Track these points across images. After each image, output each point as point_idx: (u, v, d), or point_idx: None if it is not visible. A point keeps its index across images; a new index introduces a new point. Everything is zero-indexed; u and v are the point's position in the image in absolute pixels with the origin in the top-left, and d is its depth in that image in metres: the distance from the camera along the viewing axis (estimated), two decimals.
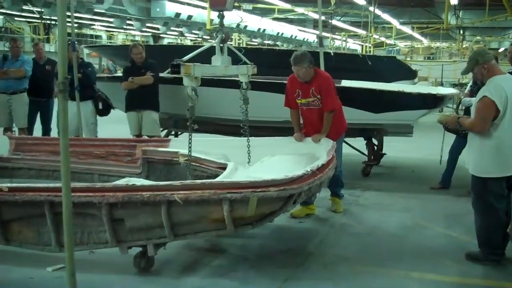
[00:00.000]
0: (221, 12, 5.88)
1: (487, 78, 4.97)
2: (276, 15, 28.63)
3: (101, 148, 6.76)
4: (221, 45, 5.80)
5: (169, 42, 42.75)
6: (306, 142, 6.14)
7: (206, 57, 5.78)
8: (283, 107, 6.45)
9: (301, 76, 6.04)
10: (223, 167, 5.66)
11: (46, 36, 32.93)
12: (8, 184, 4.70)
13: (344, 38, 37.14)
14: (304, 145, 6.10)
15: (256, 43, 38.19)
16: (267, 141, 6.33)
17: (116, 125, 10.00)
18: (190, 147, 5.38)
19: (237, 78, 6.17)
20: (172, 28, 31.21)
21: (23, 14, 28.64)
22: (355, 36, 40.24)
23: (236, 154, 6.04)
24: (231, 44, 6.23)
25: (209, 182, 4.56)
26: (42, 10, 23.29)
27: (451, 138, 7.76)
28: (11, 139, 7.16)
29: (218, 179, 5.13)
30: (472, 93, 7.17)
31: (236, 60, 6.13)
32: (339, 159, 6.19)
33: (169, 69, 5.08)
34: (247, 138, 6.07)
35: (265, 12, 28.78)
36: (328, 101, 6.11)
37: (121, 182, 4.99)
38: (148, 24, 31.37)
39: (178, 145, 6.45)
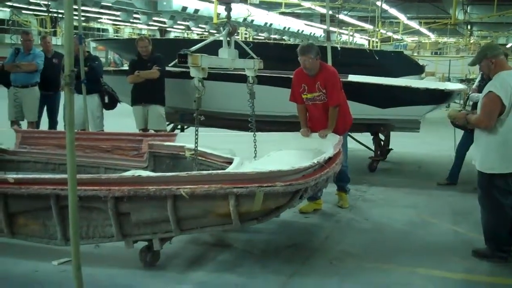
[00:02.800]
0: (228, 5, 5.86)
1: (494, 73, 4.95)
2: (283, 9, 28.58)
3: (107, 142, 6.76)
4: (228, 38, 5.77)
5: (175, 36, 42.76)
6: (313, 138, 6.11)
7: (214, 52, 5.75)
8: (290, 101, 6.43)
9: (307, 66, 6.01)
10: (230, 162, 5.65)
11: (53, 29, 32.94)
12: (14, 175, 4.70)
13: (351, 33, 37.03)
14: (311, 140, 6.08)
15: (262, 37, 38.13)
16: (273, 136, 6.32)
17: (122, 119, 10.00)
18: (196, 138, 5.34)
19: (244, 72, 6.15)
20: (178, 22, 31.28)
21: (30, 7, 28.70)
22: (362, 31, 40.14)
23: (242, 149, 6.02)
24: (238, 38, 6.17)
25: (215, 173, 4.55)
26: (49, 3, 23.35)
27: (460, 134, 7.73)
28: (18, 132, 7.18)
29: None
30: (480, 89, 7.14)
31: (243, 55, 6.10)
32: (345, 154, 6.17)
33: (176, 60, 5.04)
34: (253, 133, 6.05)
35: (272, 6, 28.75)
36: (334, 95, 6.09)
37: (127, 174, 4.98)
38: (154, 18, 31.42)
39: (185, 139, 6.44)
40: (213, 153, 5.95)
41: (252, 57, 6.06)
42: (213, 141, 6.24)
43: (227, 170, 5.12)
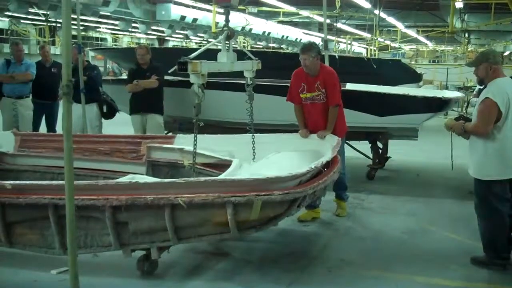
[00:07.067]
0: (226, 9, 5.87)
1: (489, 79, 4.99)
2: (281, 18, 28.62)
3: (106, 145, 6.72)
4: (227, 42, 5.76)
5: (174, 45, 42.81)
6: (311, 139, 6.12)
7: (213, 59, 5.75)
8: (288, 110, 6.44)
9: (307, 65, 6.06)
10: (228, 164, 5.64)
11: (51, 39, 33.02)
12: (12, 182, 4.68)
13: (349, 42, 37.11)
14: (310, 141, 6.09)
15: (261, 46, 38.22)
16: (272, 137, 6.31)
17: (121, 128, 9.97)
18: (195, 145, 5.35)
19: (243, 81, 6.16)
20: (177, 31, 31.28)
21: (29, 16, 28.76)
22: (360, 39, 40.22)
23: (241, 150, 6.01)
24: (236, 47, 6.14)
25: (213, 179, 4.56)
26: (48, 12, 23.39)
27: (458, 142, 7.71)
28: (17, 135, 7.14)
29: (222, 176, 5.12)
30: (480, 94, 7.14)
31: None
32: (343, 162, 6.18)
33: (175, 67, 5.04)
34: (252, 134, 6.06)
35: (270, 15, 28.80)
36: (334, 95, 6.14)
37: (125, 179, 4.98)
38: (153, 27, 31.46)
39: (183, 141, 6.42)
40: (212, 155, 5.95)
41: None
42: (211, 142, 6.23)
43: (224, 176, 5.12)
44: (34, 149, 6.90)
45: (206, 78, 5.13)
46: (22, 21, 32.33)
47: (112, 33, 42.64)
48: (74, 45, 8.05)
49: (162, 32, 33.91)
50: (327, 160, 5.14)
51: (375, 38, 30.11)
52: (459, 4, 20.92)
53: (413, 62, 34.26)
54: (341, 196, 6.75)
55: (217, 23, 23.02)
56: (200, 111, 5.17)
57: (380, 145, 8.82)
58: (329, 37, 11.56)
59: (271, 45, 37.79)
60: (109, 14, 24.89)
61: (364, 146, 9.04)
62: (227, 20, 5.80)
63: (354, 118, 6.83)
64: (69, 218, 3.65)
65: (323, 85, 6.12)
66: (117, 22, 30.64)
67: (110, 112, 9.07)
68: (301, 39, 38.92)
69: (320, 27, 34.05)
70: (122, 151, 6.66)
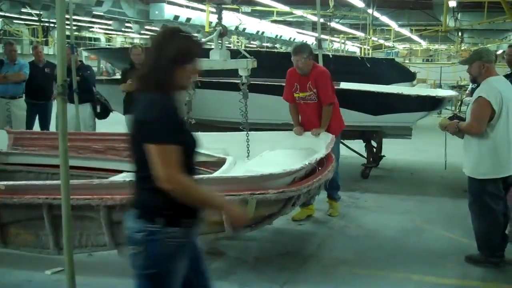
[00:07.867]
0: (219, 6, 5.86)
1: (482, 78, 5.00)
2: (275, 18, 28.61)
3: (100, 143, 6.68)
4: (219, 40, 5.72)
5: None
6: (306, 136, 6.13)
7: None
8: (283, 109, 6.45)
9: (300, 66, 6.07)
10: (223, 161, 5.63)
11: (44, 39, 32.90)
12: (5, 182, 4.65)
13: (342, 41, 37.13)
14: (304, 139, 6.09)
15: (254, 46, 38.20)
16: (266, 135, 6.32)
17: (114, 128, 9.94)
18: None
19: (237, 81, 6.15)
20: None
21: (22, 16, 28.65)
22: (354, 38, 40.24)
23: (235, 148, 6.01)
24: (230, 46, 6.14)
25: (207, 177, 4.55)
26: (41, 12, 23.32)
27: (452, 141, 7.74)
28: (10, 133, 7.10)
29: (216, 173, 5.12)
30: (473, 93, 7.17)
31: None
32: (336, 161, 6.18)
33: None
34: (246, 132, 6.06)
35: (264, 15, 28.77)
36: (326, 94, 6.14)
37: (118, 177, 4.95)
38: (146, 27, 31.37)
39: None
40: (206, 153, 5.92)
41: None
42: (205, 140, 6.19)
43: (219, 174, 5.11)
44: (27, 147, 6.87)
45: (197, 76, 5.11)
46: (14, 21, 32.19)
47: (105, 33, 42.50)
48: (67, 45, 8.03)
49: (156, 32, 33.85)
50: (321, 156, 5.15)
51: (369, 37, 30.14)
52: (452, 3, 20.94)
53: (406, 61, 34.24)
54: (333, 196, 6.74)
55: (210, 22, 22.99)
56: (191, 108, 5.16)
57: (374, 143, 8.84)
58: (322, 36, 11.55)
59: (265, 44, 37.75)
60: (102, 14, 24.81)
61: (358, 145, 9.06)
62: (219, 18, 5.78)
63: (348, 117, 6.84)
64: (65, 219, 3.65)
65: (314, 85, 6.12)
66: (110, 22, 30.55)
67: (104, 112, 9.05)
68: (295, 38, 38.92)
69: (313, 26, 34.04)
70: (116, 148, 6.61)
